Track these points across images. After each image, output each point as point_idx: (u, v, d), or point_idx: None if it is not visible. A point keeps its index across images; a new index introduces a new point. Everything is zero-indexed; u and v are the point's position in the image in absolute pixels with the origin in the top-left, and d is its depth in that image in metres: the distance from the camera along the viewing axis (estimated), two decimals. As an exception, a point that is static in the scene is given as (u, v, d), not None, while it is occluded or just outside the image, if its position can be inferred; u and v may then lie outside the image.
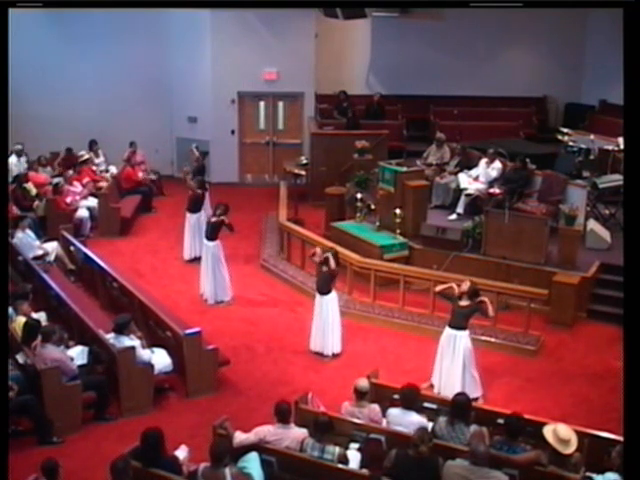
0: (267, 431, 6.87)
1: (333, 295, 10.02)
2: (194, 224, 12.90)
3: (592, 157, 13.81)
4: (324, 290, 9.96)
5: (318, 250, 10.23)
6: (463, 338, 8.89)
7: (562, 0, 15.36)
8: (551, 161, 14.07)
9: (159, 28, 17.09)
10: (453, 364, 8.88)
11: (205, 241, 11.59)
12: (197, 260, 12.43)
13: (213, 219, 11.46)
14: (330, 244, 12.05)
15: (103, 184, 15.35)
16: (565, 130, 14.99)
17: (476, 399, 8.59)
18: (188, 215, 12.99)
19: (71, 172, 15.09)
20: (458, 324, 8.91)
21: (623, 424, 5.84)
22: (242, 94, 17.28)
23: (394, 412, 7.30)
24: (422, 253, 12.09)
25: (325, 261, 9.92)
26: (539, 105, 18.99)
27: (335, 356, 10.03)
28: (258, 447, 6.79)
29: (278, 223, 13.43)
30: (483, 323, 10.52)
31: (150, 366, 8.72)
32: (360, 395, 7.45)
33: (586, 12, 17.66)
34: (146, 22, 16.82)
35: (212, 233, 11.46)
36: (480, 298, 8.99)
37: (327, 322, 9.95)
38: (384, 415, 7.42)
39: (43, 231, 13.51)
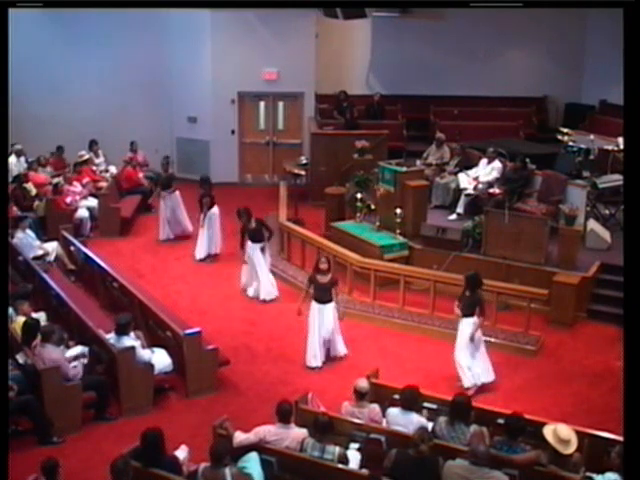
0: (267, 431, 6.87)
1: (334, 304, 9.83)
2: (207, 222, 13.14)
3: (592, 157, 13.79)
4: (325, 299, 9.71)
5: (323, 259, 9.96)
6: (465, 324, 9.13)
7: (562, 0, 15.36)
8: (551, 161, 14.06)
9: (159, 28, 17.09)
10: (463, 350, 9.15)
11: (251, 244, 11.61)
12: (209, 258, 13.15)
13: (252, 225, 11.60)
14: (328, 243, 12.09)
15: (103, 184, 15.36)
16: (565, 130, 14.97)
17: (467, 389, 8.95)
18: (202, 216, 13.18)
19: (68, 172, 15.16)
20: (464, 312, 9.17)
21: (623, 424, 5.84)
22: (242, 94, 17.28)
23: (394, 412, 7.30)
24: (422, 253, 12.09)
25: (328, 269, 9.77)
26: (539, 105, 18.99)
27: (341, 358, 9.94)
28: (258, 447, 6.79)
29: (278, 223, 13.44)
30: (483, 323, 10.53)
31: (150, 366, 8.73)
32: (360, 395, 7.46)
33: (586, 12, 17.64)
34: (146, 22, 16.82)
35: (256, 236, 11.60)
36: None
37: (329, 331, 9.74)
38: (384, 415, 7.43)
39: (43, 231, 13.50)
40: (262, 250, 11.71)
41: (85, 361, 8.63)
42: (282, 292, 12.10)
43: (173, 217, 14.10)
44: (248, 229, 11.67)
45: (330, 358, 9.97)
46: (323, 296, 9.69)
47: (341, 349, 9.97)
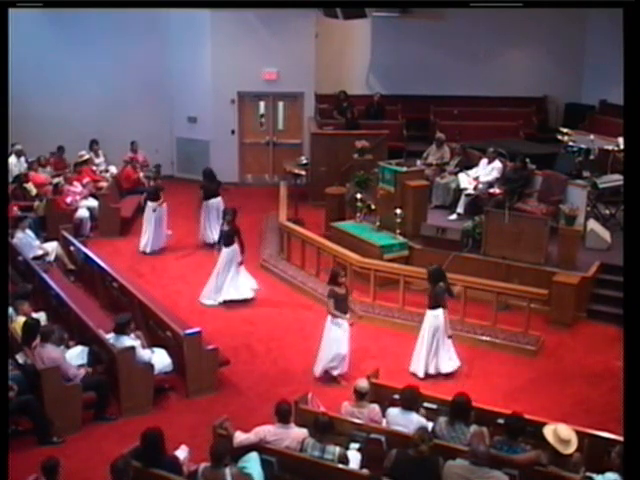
0: (267, 431, 6.87)
1: (348, 316, 9.50)
2: (209, 210, 13.62)
3: (592, 157, 13.79)
4: (342, 310, 9.38)
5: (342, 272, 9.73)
6: (429, 316, 9.49)
7: (562, 0, 15.36)
8: (551, 161, 14.07)
9: (159, 28, 17.11)
10: (438, 340, 9.50)
11: (221, 248, 11.51)
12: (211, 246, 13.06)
13: (225, 227, 11.43)
14: (328, 243, 12.10)
15: (103, 184, 15.36)
16: (565, 130, 14.97)
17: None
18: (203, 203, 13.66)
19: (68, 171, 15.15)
20: (428, 305, 9.57)
21: (623, 424, 5.84)
22: (242, 94, 17.28)
23: (394, 412, 7.30)
24: (422, 253, 12.08)
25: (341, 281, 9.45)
26: (539, 105, 18.99)
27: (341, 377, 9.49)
28: (258, 447, 6.79)
29: (278, 223, 13.44)
30: (483, 323, 10.55)
31: (150, 366, 8.73)
32: (360, 395, 7.46)
33: (586, 12, 17.65)
34: (146, 22, 16.84)
35: (227, 239, 11.41)
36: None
37: (341, 344, 9.39)
38: (384, 415, 7.43)
39: (43, 231, 13.50)
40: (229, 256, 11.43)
41: (84, 372, 8.62)
42: (282, 292, 12.13)
43: (156, 230, 13.61)
44: (221, 229, 11.63)
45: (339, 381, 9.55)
46: (341, 308, 9.38)
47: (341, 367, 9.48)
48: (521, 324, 10.41)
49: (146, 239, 13.63)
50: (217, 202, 13.61)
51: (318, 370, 9.54)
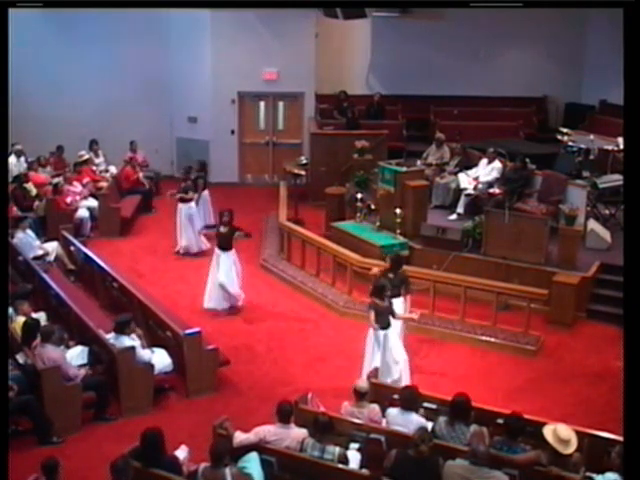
0: (267, 431, 6.86)
1: (393, 325, 9.05)
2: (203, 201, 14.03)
3: (592, 157, 13.80)
4: (387, 323, 8.90)
5: (375, 270, 9.38)
6: (394, 305, 9.20)
7: (562, 0, 15.37)
8: (551, 161, 14.08)
9: (159, 28, 17.11)
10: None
11: (218, 251, 11.21)
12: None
13: (222, 229, 11.16)
14: (328, 243, 12.10)
15: (103, 184, 15.36)
16: (565, 130, 14.97)
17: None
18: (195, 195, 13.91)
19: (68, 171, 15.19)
20: (393, 293, 9.24)
21: (623, 424, 5.84)
22: (242, 94, 17.29)
23: (393, 412, 7.30)
24: (422, 253, 12.08)
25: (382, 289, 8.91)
26: (539, 105, 19.00)
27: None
28: (258, 447, 6.78)
29: (278, 223, 13.44)
30: (483, 323, 10.55)
31: (150, 366, 8.73)
32: (360, 395, 7.46)
33: (586, 12, 17.65)
34: (146, 22, 16.85)
35: (226, 243, 11.16)
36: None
37: (391, 357, 8.88)
38: (384, 415, 7.43)
39: (43, 231, 13.51)
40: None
41: (84, 372, 8.62)
42: (282, 292, 12.12)
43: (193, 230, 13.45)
44: (218, 232, 11.31)
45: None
46: (385, 320, 8.91)
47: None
48: (521, 324, 10.41)
49: (185, 240, 13.46)
50: (207, 194, 14.12)
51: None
